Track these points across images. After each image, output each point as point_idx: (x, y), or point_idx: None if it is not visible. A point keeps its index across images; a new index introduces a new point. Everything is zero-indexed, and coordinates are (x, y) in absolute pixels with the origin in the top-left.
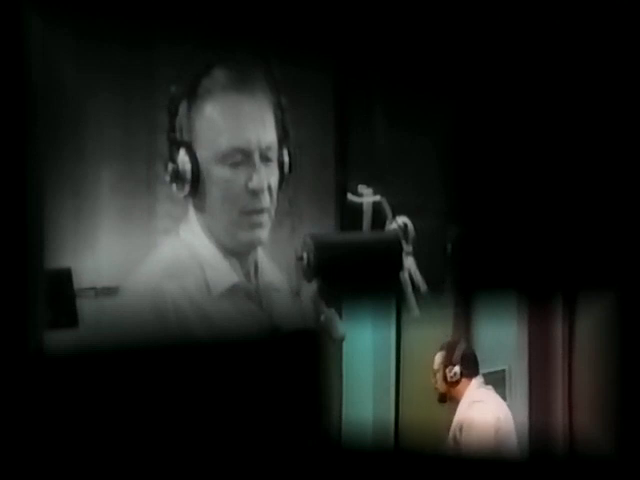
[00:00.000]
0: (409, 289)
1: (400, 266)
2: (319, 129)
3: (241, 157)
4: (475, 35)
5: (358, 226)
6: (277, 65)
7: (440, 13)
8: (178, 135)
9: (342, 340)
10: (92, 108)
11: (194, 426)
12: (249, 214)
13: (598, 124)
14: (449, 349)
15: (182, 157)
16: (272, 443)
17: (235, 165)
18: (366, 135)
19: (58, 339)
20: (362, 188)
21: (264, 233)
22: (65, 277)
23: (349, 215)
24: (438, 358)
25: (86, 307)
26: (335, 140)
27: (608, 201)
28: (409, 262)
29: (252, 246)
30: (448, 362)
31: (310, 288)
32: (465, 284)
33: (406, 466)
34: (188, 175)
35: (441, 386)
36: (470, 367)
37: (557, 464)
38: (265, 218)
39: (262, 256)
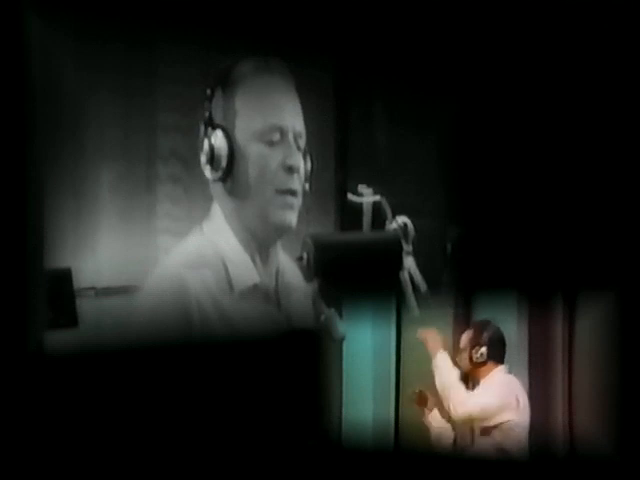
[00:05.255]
0: (409, 289)
1: (400, 266)
2: (319, 129)
3: (278, 136)
4: (475, 36)
5: (358, 226)
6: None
7: (440, 14)
8: (214, 117)
9: (342, 340)
10: (92, 108)
11: (194, 426)
12: (284, 193)
13: (598, 124)
14: (477, 329)
15: (219, 138)
16: (272, 443)
17: (271, 143)
18: (366, 135)
19: (58, 339)
20: (362, 188)
21: (294, 216)
22: (65, 277)
23: (349, 215)
24: (465, 337)
25: (86, 307)
26: (335, 140)
27: (608, 201)
28: (409, 262)
29: (283, 229)
30: (475, 342)
31: (310, 288)
32: (465, 284)
33: (406, 466)
34: (224, 156)
35: (465, 366)
36: (497, 350)
37: (557, 464)
38: (297, 200)
39: (283, 257)
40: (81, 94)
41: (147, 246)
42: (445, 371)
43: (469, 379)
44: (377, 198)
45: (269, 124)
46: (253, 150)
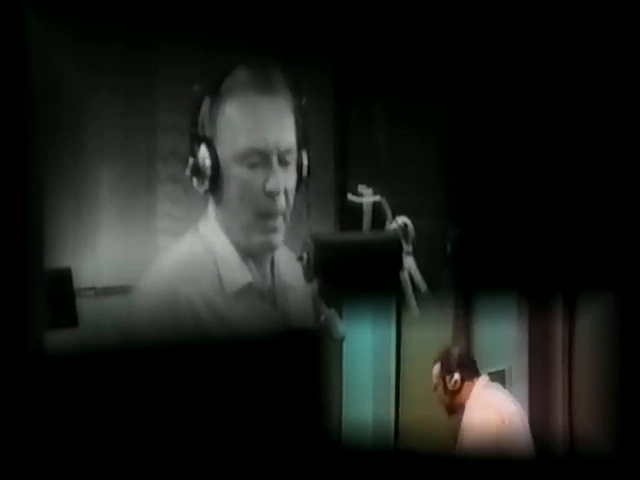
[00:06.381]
0: (409, 289)
1: (400, 266)
2: (319, 129)
3: (259, 158)
4: (475, 36)
5: (358, 226)
6: (292, 67)
7: (440, 14)
8: (200, 131)
9: (342, 340)
10: (92, 108)
11: (194, 426)
12: (265, 217)
13: (598, 124)
14: (444, 358)
15: (203, 153)
16: (272, 443)
17: (253, 166)
18: (366, 135)
19: (58, 339)
20: (362, 188)
21: (278, 237)
22: (65, 277)
23: (349, 215)
24: (435, 370)
25: (86, 307)
26: (335, 140)
27: (608, 201)
28: (409, 262)
29: (266, 249)
30: (446, 372)
31: (308, 287)
32: (465, 284)
33: (406, 466)
34: (208, 171)
35: (445, 398)
36: (469, 370)
37: (557, 464)
38: (280, 222)
39: (280, 254)
40: (81, 94)
41: (147, 246)
42: None
43: (454, 407)
44: (377, 198)
45: (249, 147)
46: (234, 172)
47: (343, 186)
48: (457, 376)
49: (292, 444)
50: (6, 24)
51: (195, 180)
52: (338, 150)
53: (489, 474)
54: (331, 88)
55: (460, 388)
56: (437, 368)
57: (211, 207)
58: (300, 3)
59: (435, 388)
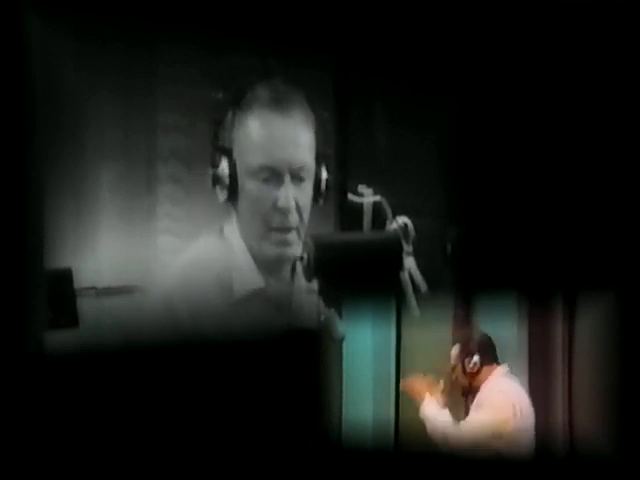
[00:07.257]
0: (409, 289)
1: (400, 266)
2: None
3: (270, 174)
4: (475, 36)
5: (358, 226)
6: (292, 66)
7: (440, 14)
8: (220, 142)
9: (342, 340)
10: (92, 108)
11: (194, 426)
12: (276, 231)
13: (598, 124)
14: (465, 340)
15: (223, 165)
16: (272, 443)
17: (265, 182)
18: (366, 135)
19: (58, 339)
20: (362, 188)
21: (291, 250)
22: (65, 277)
23: (349, 215)
24: (454, 351)
25: (86, 307)
26: (335, 140)
27: (608, 201)
28: (409, 262)
29: (279, 261)
30: (466, 353)
31: (311, 288)
32: (465, 284)
33: (406, 466)
34: (226, 181)
35: (462, 379)
36: (489, 353)
37: (557, 464)
38: (293, 236)
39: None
40: (81, 94)
41: (147, 246)
42: (435, 418)
43: (469, 391)
44: (377, 198)
45: (261, 164)
46: (248, 185)
47: (343, 186)
48: (477, 358)
49: (292, 444)
50: (6, 24)
51: (217, 190)
52: (338, 150)
53: (489, 474)
54: (331, 88)
55: (479, 371)
56: (456, 349)
57: (234, 213)
58: (300, 3)
59: (453, 369)
